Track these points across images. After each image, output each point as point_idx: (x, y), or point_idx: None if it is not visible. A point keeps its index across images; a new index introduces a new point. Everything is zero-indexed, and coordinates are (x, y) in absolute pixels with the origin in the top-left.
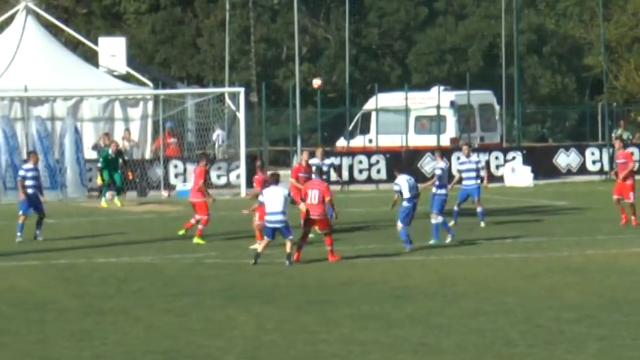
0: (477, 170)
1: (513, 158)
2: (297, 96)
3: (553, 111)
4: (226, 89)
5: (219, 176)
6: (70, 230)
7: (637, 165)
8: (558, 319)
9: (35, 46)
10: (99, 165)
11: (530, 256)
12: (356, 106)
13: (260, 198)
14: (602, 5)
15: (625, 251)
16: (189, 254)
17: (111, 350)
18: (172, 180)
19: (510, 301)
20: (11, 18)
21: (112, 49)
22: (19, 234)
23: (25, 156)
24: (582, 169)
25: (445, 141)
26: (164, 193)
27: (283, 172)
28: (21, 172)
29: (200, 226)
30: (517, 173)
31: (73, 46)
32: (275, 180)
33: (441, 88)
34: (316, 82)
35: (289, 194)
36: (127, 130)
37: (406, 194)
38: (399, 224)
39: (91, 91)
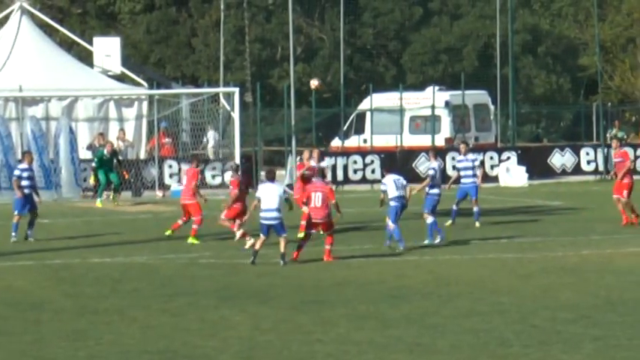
0: (474, 168)
1: (508, 158)
2: (291, 96)
3: (548, 111)
4: (221, 89)
5: (213, 176)
6: (64, 230)
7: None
8: (553, 319)
9: (30, 46)
10: (93, 165)
11: (525, 256)
12: (350, 106)
13: (256, 194)
14: (597, 5)
15: (620, 251)
16: (183, 254)
17: (106, 350)
18: (167, 180)
19: (505, 301)
20: (6, 18)
21: (107, 49)
22: (13, 234)
23: (20, 156)
24: (577, 169)
25: (440, 141)
26: (159, 193)
27: (278, 172)
28: (16, 172)
29: (194, 226)
30: (512, 173)
31: (68, 46)
32: (271, 177)
33: (436, 88)
34: (313, 83)
35: (284, 192)
36: (122, 130)
37: (392, 193)
38: (391, 224)
39: (86, 91)
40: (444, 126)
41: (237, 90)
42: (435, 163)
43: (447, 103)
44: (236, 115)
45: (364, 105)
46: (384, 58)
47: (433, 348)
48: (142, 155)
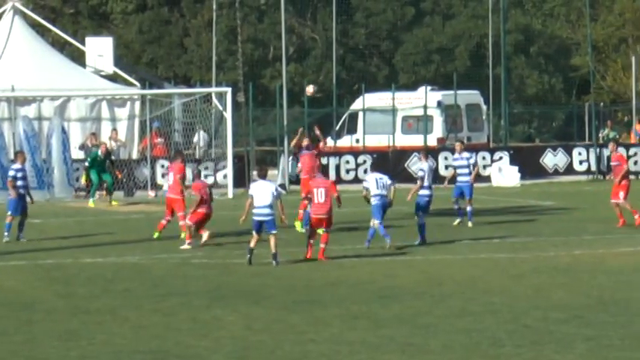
0: (469, 167)
1: (500, 158)
2: (284, 96)
3: (540, 111)
4: (213, 89)
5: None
6: (56, 230)
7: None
8: (546, 319)
9: (22, 46)
10: (86, 164)
11: (518, 256)
12: (343, 106)
13: (249, 191)
14: (589, 5)
15: (612, 251)
16: (176, 254)
17: (98, 350)
18: (159, 180)
19: (497, 301)
20: None
21: (99, 49)
22: (6, 234)
23: (12, 156)
24: (569, 169)
25: (432, 141)
26: (151, 193)
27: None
28: (11, 173)
29: (181, 222)
30: (504, 173)
31: (60, 46)
32: (263, 174)
33: (428, 88)
34: (309, 90)
35: (277, 189)
36: (114, 130)
37: (373, 191)
38: (375, 221)
39: (78, 91)
40: (436, 126)
41: (229, 90)
42: (424, 164)
43: (439, 103)
44: (228, 115)
45: (356, 105)
46: (377, 58)
47: (425, 348)
48: (135, 155)
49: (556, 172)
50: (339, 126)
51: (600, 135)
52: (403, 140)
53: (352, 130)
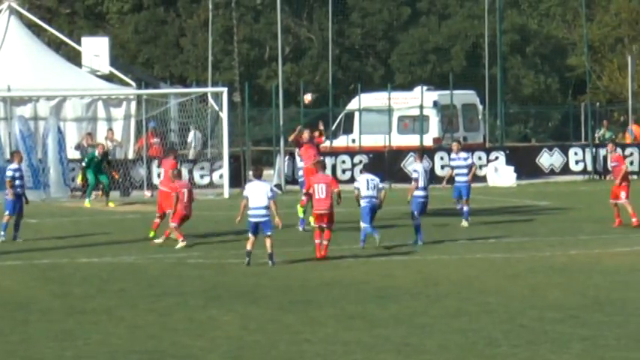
0: (467, 167)
1: (496, 158)
2: (280, 96)
3: (536, 111)
4: (209, 89)
5: (202, 176)
6: (52, 230)
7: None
8: (541, 319)
9: (18, 46)
10: (83, 164)
11: (513, 256)
12: (339, 106)
13: (244, 192)
14: (585, 5)
15: (608, 251)
16: (171, 254)
17: (94, 350)
18: (155, 180)
19: (493, 301)
20: None
21: (95, 49)
22: (2, 233)
23: (8, 156)
24: (565, 169)
25: (428, 141)
26: (147, 193)
27: (266, 172)
28: (9, 173)
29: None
30: (500, 173)
31: (56, 46)
32: (258, 174)
33: (424, 88)
34: (307, 98)
35: (272, 190)
36: (110, 130)
37: (363, 192)
38: (362, 224)
39: (74, 90)
40: (432, 126)
41: (225, 90)
42: (418, 165)
43: (435, 103)
44: (224, 115)
45: (353, 105)
46: (373, 58)
47: (421, 348)
48: (131, 155)
49: (552, 172)
50: (335, 126)
51: (596, 135)
52: (399, 140)
53: (348, 130)
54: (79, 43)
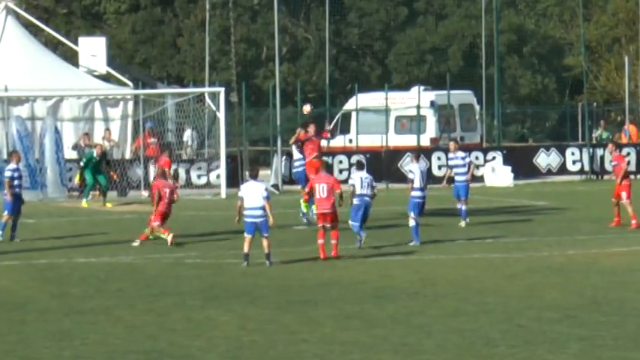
0: (465, 166)
1: (493, 158)
2: (277, 96)
3: (533, 111)
4: (206, 89)
5: (199, 176)
6: (50, 230)
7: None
8: (539, 319)
9: (15, 46)
10: (81, 164)
11: (511, 256)
12: (336, 106)
13: (239, 193)
14: (583, 5)
15: (605, 251)
16: (169, 254)
17: (92, 350)
18: (152, 180)
19: (491, 301)
20: None
21: (92, 49)
22: (0, 232)
23: (4, 156)
24: (562, 169)
25: (425, 141)
26: (144, 193)
27: (263, 172)
28: (7, 173)
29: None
30: (497, 173)
31: (53, 46)
32: (254, 175)
33: (421, 88)
34: (305, 109)
35: (267, 190)
36: (108, 130)
37: (358, 191)
38: (351, 222)
39: (71, 91)
40: (429, 126)
41: (222, 90)
42: (414, 166)
43: (432, 103)
44: (221, 115)
45: (350, 105)
46: (370, 58)
47: (419, 348)
48: (128, 155)
49: (549, 172)
50: (332, 126)
51: (594, 135)
52: (396, 140)
53: (345, 130)
54: (76, 43)
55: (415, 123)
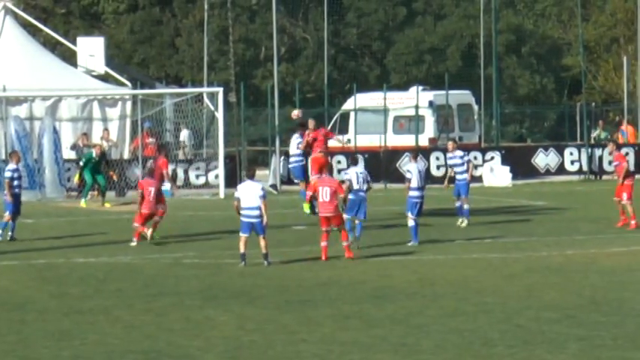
0: (463, 164)
1: (492, 158)
2: (275, 96)
3: (532, 111)
4: (205, 89)
5: (197, 176)
6: (48, 230)
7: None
8: (538, 319)
9: (14, 46)
10: (80, 164)
11: (510, 256)
12: (334, 106)
13: (236, 194)
14: (581, 6)
15: (604, 251)
16: (168, 254)
17: (90, 350)
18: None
19: (490, 301)
20: None
21: (91, 49)
22: (0, 231)
23: (3, 156)
24: (561, 169)
25: (424, 141)
26: None
27: (261, 172)
28: (7, 174)
29: (157, 217)
30: (496, 173)
31: (52, 46)
32: (251, 174)
33: (420, 88)
34: (295, 114)
35: (263, 190)
36: (106, 130)
37: (354, 186)
38: (345, 216)
39: (70, 91)
40: (427, 126)
41: (220, 90)
42: (412, 166)
43: (430, 103)
44: (220, 115)
45: (348, 105)
46: (368, 58)
47: (418, 348)
48: (126, 155)
49: (548, 172)
50: (330, 126)
51: (592, 135)
52: (395, 140)
53: (344, 130)
54: (74, 43)
55: (414, 123)
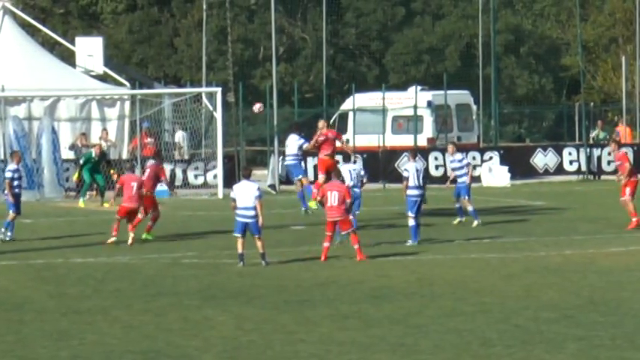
0: (462, 168)
1: (490, 158)
2: (274, 96)
3: (530, 111)
4: (203, 89)
5: (196, 176)
6: (47, 230)
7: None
8: (536, 319)
9: (12, 46)
10: (80, 162)
11: (508, 256)
12: (333, 107)
13: (231, 194)
14: (580, 5)
15: (602, 251)
16: (166, 254)
17: (89, 350)
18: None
19: (488, 301)
20: None
21: (89, 49)
22: (3, 230)
23: (2, 156)
24: (559, 169)
25: (422, 141)
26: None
27: (260, 172)
28: (8, 174)
29: (150, 223)
30: (494, 173)
31: (50, 46)
32: (247, 174)
33: (418, 88)
34: (256, 108)
35: (259, 190)
36: (105, 130)
37: (347, 183)
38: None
39: (68, 91)
40: (426, 126)
41: (219, 90)
42: (410, 165)
43: (429, 103)
44: (218, 115)
45: (347, 105)
46: (367, 58)
47: (416, 348)
48: (125, 155)
49: (546, 172)
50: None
51: (591, 135)
52: (393, 140)
53: (342, 130)
54: (73, 43)
55: (412, 123)
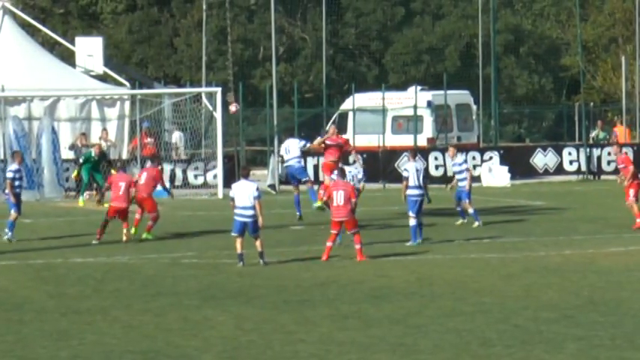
0: (462, 172)
1: (490, 158)
2: (274, 96)
3: (530, 111)
4: (203, 89)
5: (196, 176)
6: (47, 230)
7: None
8: (536, 319)
9: (12, 46)
10: (80, 161)
11: (508, 256)
12: (333, 107)
13: (230, 193)
14: (579, 5)
15: (602, 251)
16: (166, 254)
17: (89, 350)
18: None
19: (488, 301)
20: None
21: (89, 49)
22: (6, 230)
23: (1, 156)
24: (559, 169)
25: (422, 141)
26: None
27: (260, 172)
28: (9, 175)
29: (150, 222)
30: (494, 173)
31: (50, 46)
32: (245, 174)
33: (418, 88)
34: (232, 109)
35: (258, 190)
36: (105, 130)
37: None
38: None
39: (68, 91)
40: (426, 126)
41: (219, 90)
42: (410, 165)
43: (429, 103)
44: (218, 115)
45: (346, 105)
46: (367, 58)
47: (416, 348)
48: (125, 155)
49: (546, 172)
50: (328, 126)
51: (591, 135)
52: (393, 140)
53: (342, 130)
54: (72, 43)
55: (412, 123)
